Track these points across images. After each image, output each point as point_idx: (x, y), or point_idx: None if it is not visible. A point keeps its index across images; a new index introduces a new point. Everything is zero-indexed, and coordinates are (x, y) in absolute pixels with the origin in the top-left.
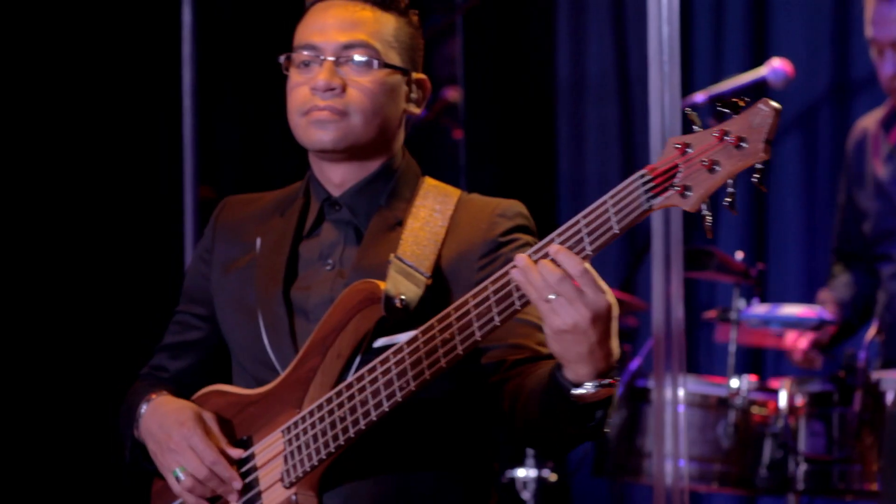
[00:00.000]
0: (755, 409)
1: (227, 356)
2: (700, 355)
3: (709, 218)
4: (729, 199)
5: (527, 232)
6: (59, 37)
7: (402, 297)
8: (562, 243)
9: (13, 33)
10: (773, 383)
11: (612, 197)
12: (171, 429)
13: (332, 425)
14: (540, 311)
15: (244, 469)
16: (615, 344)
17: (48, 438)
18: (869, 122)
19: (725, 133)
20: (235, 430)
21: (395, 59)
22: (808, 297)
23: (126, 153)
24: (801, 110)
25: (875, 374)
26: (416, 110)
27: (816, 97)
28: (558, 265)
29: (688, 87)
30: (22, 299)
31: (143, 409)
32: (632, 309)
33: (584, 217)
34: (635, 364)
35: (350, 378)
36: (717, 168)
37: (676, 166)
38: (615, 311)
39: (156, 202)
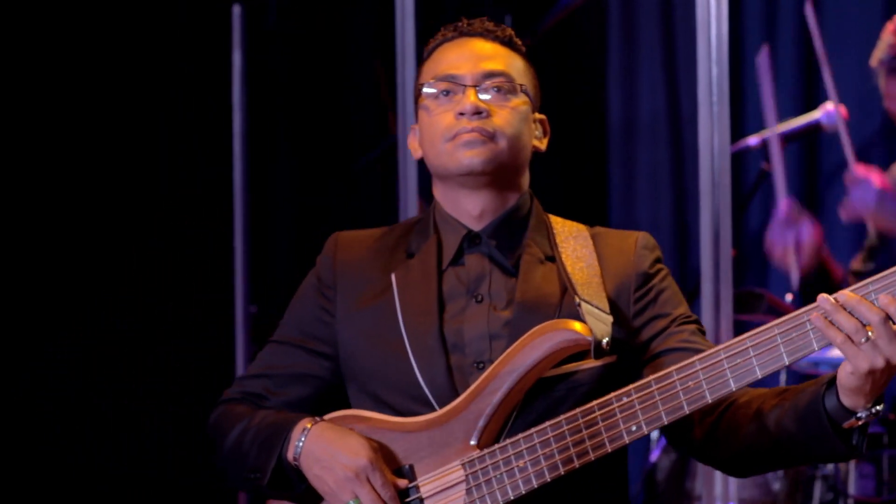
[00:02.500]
0: None
1: (336, 392)
2: None
3: None
4: None
5: (663, 261)
6: (114, 80)
7: (607, 339)
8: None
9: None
10: None
11: None
12: (345, 458)
13: (536, 462)
14: (846, 353)
15: (408, 500)
16: None
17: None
18: None
19: None
20: (392, 457)
21: (525, 80)
22: None
23: (178, 199)
24: (854, 151)
25: None
26: (541, 146)
27: (869, 139)
28: (878, 309)
29: (741, 130)
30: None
31: (304, 433)
32: None
33: (876, 282)
34: None
35: (560, 417)
36: None
37: None
38: None
39: (208, 244)
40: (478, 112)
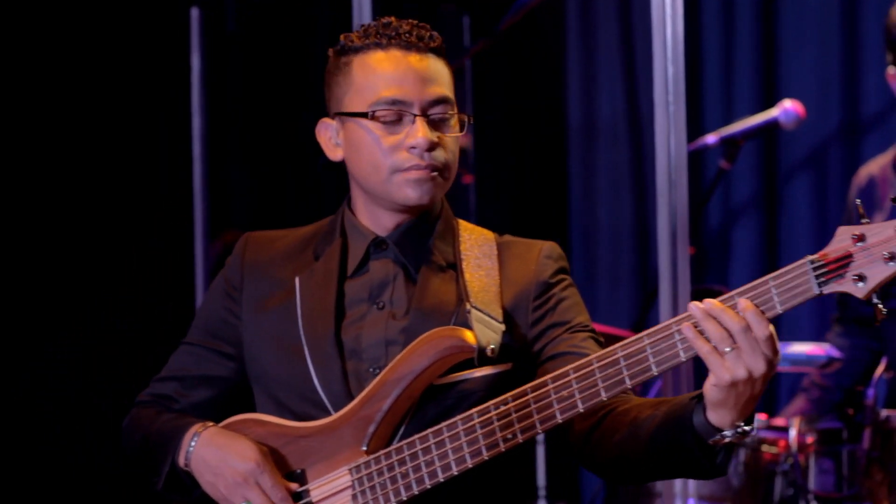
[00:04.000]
0: (765, 448)
1: (245, 392)
2: None
3: (882, 308)
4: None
5: (568, 271)
6: (73, 84)
7: (493, 346)
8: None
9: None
10: (782, 421)
11: (776, 279)
12: (234, 462)
13: (417, 469)
14: (710, 364)
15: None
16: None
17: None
18: (874, 167)
19: None
20: (284, 461)
21: (456, 107)
22: (817, 336)
23: (138, 202)
24: (811, 150)
25: (884, 412)
26: None
27: (827, 137)
28: (742, 317)
29: (698, 128)
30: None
31: (194, 439)
32: None
33: (741, 294)
34: None
35: (442, 424)
36: (893, 262)
37: (850, 255)
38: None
39: (168, 247)
40: (431, 148)
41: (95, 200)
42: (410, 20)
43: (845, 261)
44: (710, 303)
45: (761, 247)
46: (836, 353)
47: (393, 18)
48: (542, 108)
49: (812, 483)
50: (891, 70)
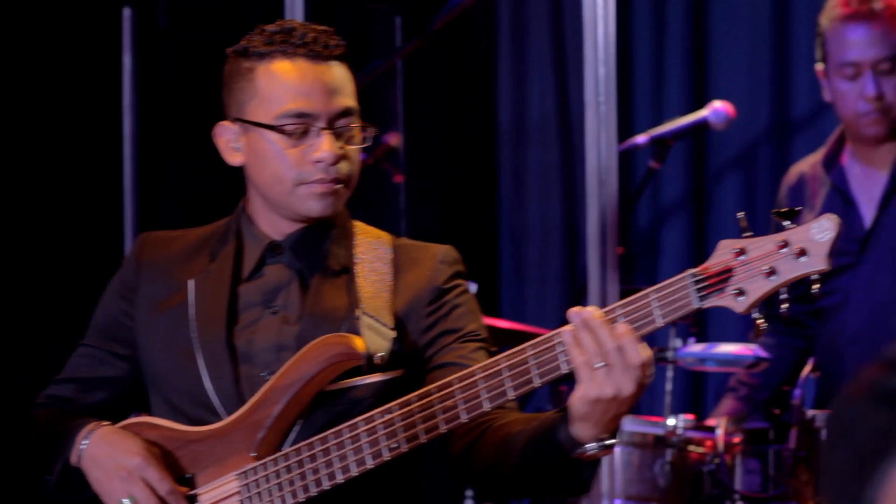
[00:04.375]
0: (692, 448)
1: (141, 394)
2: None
3: (761, 322)
4: (785, 305)
5: (463, 276)
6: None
7: (381, 354)
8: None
9: None
10: (710, 421)
11: (658, 291)
12: (121, 458)
13: (303, 476)
14: (580, 375)
15: None
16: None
17: None
18: (805, 166)
19: (787, 243)
20: (176, 465)
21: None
22: (744, 337)
23: (68, 201)
24: (741, 150)
25: (810, 412)
26: None
27: (756, 137)
28: (618, 336)
29: (629, 129)
30: None
31: (86, 437)
32: None
33: (623, 307)
34: None
35: (328, 432)
36: (774, 276)
37: (731, 269)
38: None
39: (97, 247)
40: (337, 162)
41: (24, 200)
42: (315, 26)
43: (726, 275)
44: (591, 314)
45: (690, 247)
46: (763, 353)
47: (296, 23)
48: (473, 108)
49: (738, 483)
50: (819, 66)
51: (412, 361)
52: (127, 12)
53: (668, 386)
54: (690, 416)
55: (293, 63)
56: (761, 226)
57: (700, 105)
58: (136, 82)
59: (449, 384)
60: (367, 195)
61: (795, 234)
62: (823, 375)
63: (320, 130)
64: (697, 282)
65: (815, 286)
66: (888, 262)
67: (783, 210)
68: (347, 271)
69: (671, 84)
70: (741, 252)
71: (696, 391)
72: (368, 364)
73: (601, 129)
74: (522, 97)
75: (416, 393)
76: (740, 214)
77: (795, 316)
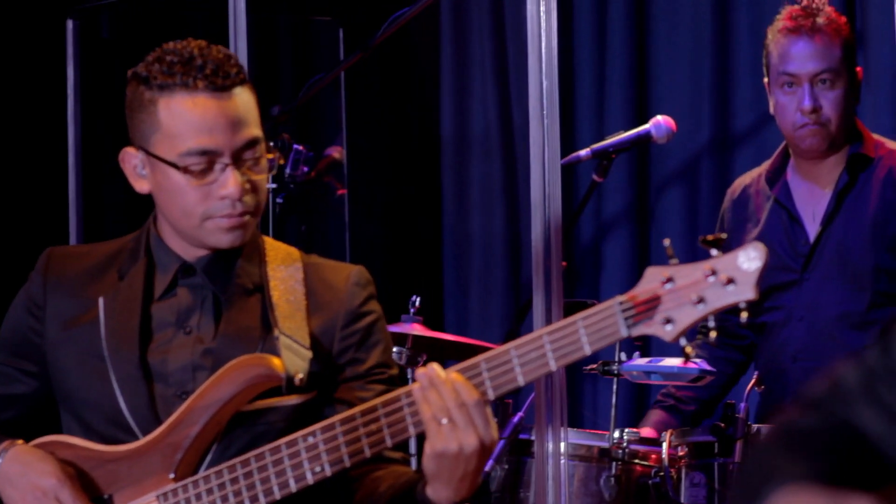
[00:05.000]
0: (637, 461)
1: (52, 411)
2: (584, 408)
3: (689, 349)
4: (714, 333)
5: (376, 297)
6: None
7: (301, 375)
8: (521, 356)
9: None
10: (655, 434)
11: (585, 319)
12: (35, 478)
13: (225, 499)
14: (428, 430)
15: None
16: (480, 476)
17: None
18: (748, 179)
19: (714, 272)
20: (92, 485)
21: (264, 137)
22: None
23: (12, 212)
24: (683, 164)
25: (755, 425)
26: None
27: (698, 151)
28: (458, 393)
29: (572, 143)
30: None
31: (0, 456)
32: None
33: (550, 334)
34: (517, 418)
35: (250, 454)
36: (702, 304)
37: (658, 297)
38: (495, 445)
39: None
40: (243, 197)
41: None
42: (216, 50)
43: (653, 303)
44: (435, 372)
45: (633, 260)
46: (707, 367)
47: (196, 47)
48: (416, 121)
49: (684, 496)
50: (765, 79)
51: (326, 382)
52: (70, 24)
53: (613, 399)
54: (636, 430)
55: (194, 98)
56: (703, 252)
57: (642, 119)
58: (80, 93)
59: (374, 408)
60: (310, 209)
61: (723, 263)
62: (767, 391)
63: (225, 166)
64: (625, 310)
65: (744, 315)
66: (831, 280)
67: (710, 238)
68: (261, 290)
69: (613, 98)
70: (669, 280)
71: (641, 404)
72: (288, 385)
73: (545, 143)
74: (465, 110)
75: (321, 425)
76: (666, 242)
77: (733, 329)
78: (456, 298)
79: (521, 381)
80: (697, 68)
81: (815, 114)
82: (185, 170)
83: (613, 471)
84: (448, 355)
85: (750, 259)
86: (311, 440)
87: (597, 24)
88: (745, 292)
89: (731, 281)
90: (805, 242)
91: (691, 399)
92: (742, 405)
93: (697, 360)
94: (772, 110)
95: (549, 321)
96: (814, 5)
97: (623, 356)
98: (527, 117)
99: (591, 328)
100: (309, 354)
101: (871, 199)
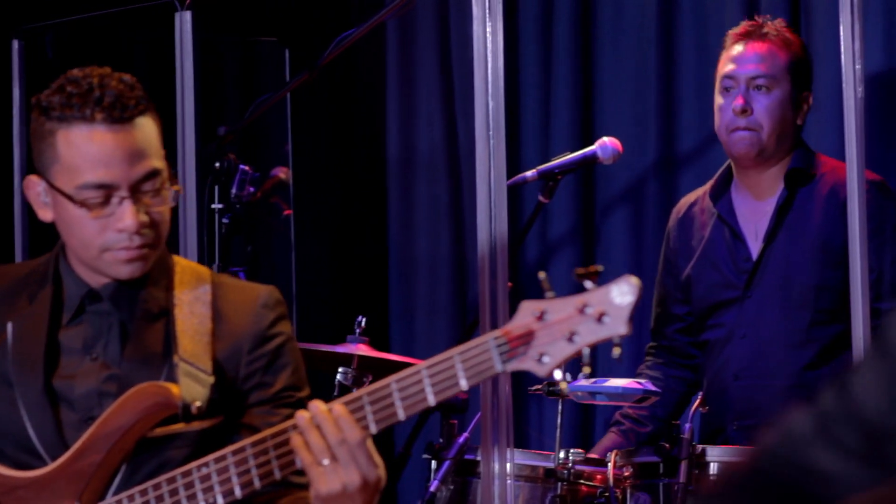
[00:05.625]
0: (582, 481)
1: None
2: (530, 429)
3: (564, 384)
4: (587, 369)
5: (286, 318)
6: None
7: (199, 403)
8: (401, 390)
9: None
10: (593, 455)
11: (462, 354)
12: None
13: None
14: (310, 475)
15: None
16: None
17: None
18: (693, 197)
19: (587, 306)
20: None
21: (165, 164)
22: (634, 371)
23: None
24: (629, 185)
25: (700, 446)
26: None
27: (644, 172)
28: (340, 429)
29: (517, 164)
30: None
31: None
32: None
33: (429, 368)
34: (463, 438)
35: (152, 482)
36: (576, 339)
37: (532, 333)
38: (382, 484)
39: None
40: (142, 231)
41: None
42: (117, 79)
43: (527, 338)
44: (316, 410)
45: (578, 281)
46: (652, 387)
47: (96, 77)
48: (362, 142)
49: None
50: (720, 99)
51: (232, 406)
52: (16, 44)
53: (559, 419)
54: (581, 450)
55: (92, 131)
56: (649, 258)
57: (588, 140)
58: (25, 113)
59: (243, 448)
60: (256, 229)
61: (595, 297)
62: (710, 410)
63: (122, 199)
64: (499, 345)
65: (617, 350)
66: (773, 298)
67: (584, 271)
68: (167, 314)
69: (559, 119)
70: (543, 314)
71: (586, 425)
72: (185, 413)
73: (491, 163)
74: (411, 130)
75: (214, 455)
76: (542, 275)
77: (682, 348)
78: (402, 319)
79: (401, 416)
80: (643, 90)
81: (745, 114)
82: (82, 203)
83: (559, 491)
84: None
85: (622, 293)
86: (204, 470)
87: (543, 45)
88: (617, 327)
89: (603, 316)
90: (747, 259)
91: (648, 419)
92: (687, 425)
93: (642, 381)
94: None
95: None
96: (767, 21)
97: (568, 376)
98: (473, 138)
99: (468, 363)
100: (210, 380)
101: (814, 217)
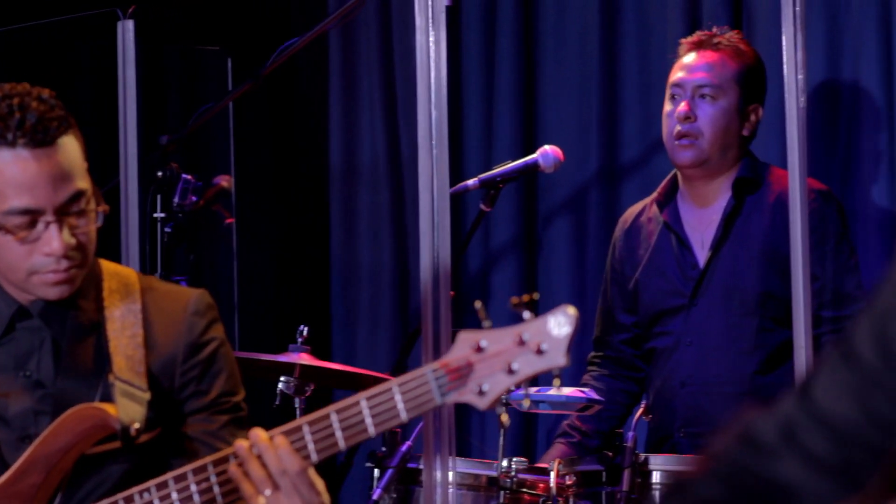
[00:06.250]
0: (525, 490)
1: None
2: (473, 438)
3: (504, 416)
4: (527, 402)
5: (218, 321)
6: None
7: (137, 424)
8: (342, 420)
9: None
10: (544, 463)
11: (401, 386)
12: None
13: None
14: None
15: None
16: None
17: None
18: (639, 207)
19: (524, 338)
20: None
21: (89, 182)
22: (577, 380)
23: None
24: (571, 194)
25: (643, 454)
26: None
27: (586, 181)
28: (280, 459)
29: (459, 173)
30: None
31: None
32: None
33: (368, 399)
34: (405, 447)
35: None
36: (514, 371)
37: (471, 365)
38: None
39: None
40: (69, 254)
41: None
42: (35, 103)
43: (466, 371)
44: (257, 439)
45: (520, 290)
46: (595, 395)
47: (17, 99)
48: (305, 150)
49: None
50: (667, 107)
51: (169, 417)
52: None
53: (501, 428)
54: (524, 458)
55: (14, 154)
56: (591, 267)
57: (530, 149)
58: None
59: (204, 467)
60: (199, 237)
61: (533, 328)
62: (655, 418)
63: (48, 224)
64: (438, 378)
65: (557, 381)
66: (720, 306)
67: (519, 300)
68: (98, 327)
69: (501, 128)
70: (480, 346)
71: (529, 434)
72: (125, 435)
73: (434, 172)
74: (353, 140)
75: (154, 482)
76: (478, 304)
77: (629, 360)
78: (343, 328)
79: (342, 445)
80: (585, 99)
81: (688, 121)
82: (6, 228)
83: (501, 499)
84: (335, 384)
85: (560, 325)
86: (146, 496)
87: (485, 55)
88: (555, 359)
89: (541, 348)
90: (694, 267)
91: (595, 433)
92: (630, 434)
93: (585, 389)
94: None
95: (437, 351)
96: (722, 31)
97: (532, 390)
98: (415, 147)
99: (407, 395)
100: (147, 397)
101: (761, 225)
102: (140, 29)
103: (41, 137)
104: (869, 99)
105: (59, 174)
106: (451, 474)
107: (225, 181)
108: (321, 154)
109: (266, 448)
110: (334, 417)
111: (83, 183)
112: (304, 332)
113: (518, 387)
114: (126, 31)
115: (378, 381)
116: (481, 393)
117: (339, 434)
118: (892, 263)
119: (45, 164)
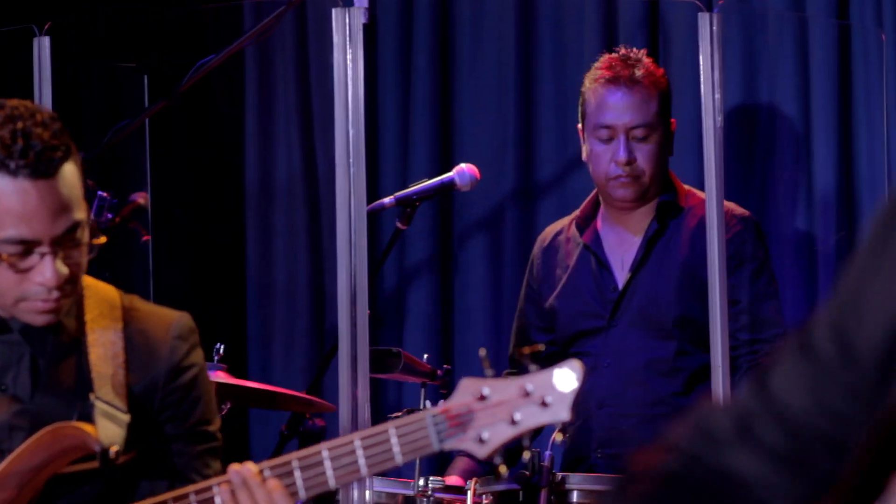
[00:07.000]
0: None
1: None
2: None
3: (503, 467)
4: (526, 454)
5: (199, 347)
6: None
7: (116, 447)
8: (333, 458)
9: None
10: (460, 482)
11: (398, 429)
12: None
13: None
14: None
15: None
16: None
17: None
18: (559, 226)
19: (529, 391)
20: None
21: (85, 212)
22: None
23: None
24: (487, 212)
25: (560, 474)
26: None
27: (502, 199)
28: (270, 496)
29: (376, 191)
30: None
31: None
32: (320, 411)
33: (363, 440)
34: None
35: None
36: (517, 422)
37: (472, 412)
38: None
39: None
40: (62, 285)
41: None
42: (40, 130)
43: (467, 418)
44: (249, 472)
45: (436, 308)
46: None
47: (21, 125)
48: (221, 168)
49: None
50: (579, 126)
51: (146, 440)
52: None
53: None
54: (441, 477)
55: (15, 183)
56: (507, 286)
57: (447, 167)
58: None
59: (186, 496)
60: (114, 254)
61: (538, 381)
62: (571, 438)
63: (43, 255)
64: (437, 423)
65: (559, 436)
66: (638, 327)
67: (525, 351)
68: (79, 344)
69: (418, 146)
70: (483, 394)
71: (445, 453)
72: (104, 457)
73: (351, 191)
74: (269, 158)
75: (152, 501)
76: (482, 352)
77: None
78: (260, 346)
79: (332, 484)
80: (501, 117)
81: (630, 166)
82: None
83: None
84: (252, 403)
85: (566, 380)
86: None
87: (402, 73)
88: (559, 413)
89: (545, 401)
90: (613, 289)
91: None
92: (547, 453)
93: None
94: (584, 157)
95: (354, 369)
96: (632, 55)
97: (428, 404)
98: (331, 165)
99: (404, 439)
100: (126, 418)
101: (682, 249)
102: (56, 46)
103: (44, 169)
104: (786, 121)
105: (59, 206)
106: (367, 493)
107: (141, 198)
108: (237, 171)
109: (258, 484)
110: (325, 455)
111: (80, 214)
112: (220, 350)
113: (520, 438)
114: (42, 47)
115: (295, 399)
116: (481, 441)
117: (329, 473)
118: (853, 257)
119: (45, 196)
